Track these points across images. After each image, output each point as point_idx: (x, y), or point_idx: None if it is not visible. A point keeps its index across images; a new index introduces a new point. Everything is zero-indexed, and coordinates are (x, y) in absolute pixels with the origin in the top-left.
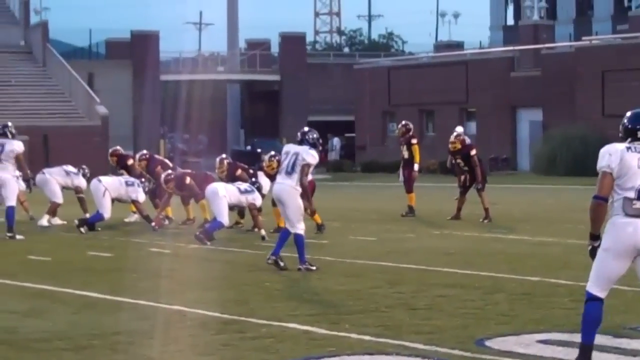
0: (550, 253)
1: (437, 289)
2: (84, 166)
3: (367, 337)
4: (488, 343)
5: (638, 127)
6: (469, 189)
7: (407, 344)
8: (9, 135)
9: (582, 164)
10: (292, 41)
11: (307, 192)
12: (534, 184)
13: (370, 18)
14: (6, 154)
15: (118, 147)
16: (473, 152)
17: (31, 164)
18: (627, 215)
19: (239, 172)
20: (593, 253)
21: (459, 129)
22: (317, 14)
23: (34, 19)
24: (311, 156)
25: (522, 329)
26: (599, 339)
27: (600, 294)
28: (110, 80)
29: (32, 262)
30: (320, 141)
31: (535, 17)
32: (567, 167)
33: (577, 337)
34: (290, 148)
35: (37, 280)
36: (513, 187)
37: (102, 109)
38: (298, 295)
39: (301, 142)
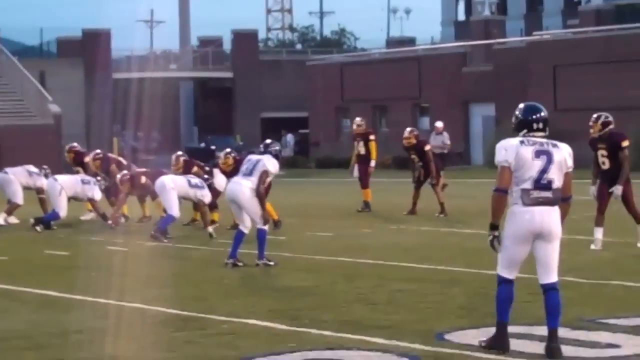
0: None
1: (395, 284)
2: (45, 166)
3: (327, 332)
4: (448, 337)
5: (530, 118)
6: (423, 183)
7: (367, 338)
8: None
9: None
10: (244, 38)
11: (263, 200)
12: (488, 178)
13: (322, 15)
14: None
15: (75, 144)
16: (427, 147)
17: None
18: (525, 204)
19: (195, 169)
20: (493, 243)
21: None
22: (268, 11)
23: None
24: (272, 164)
25: (480, 322)
26: (559, 332)
27: (510, 276)
28: (62, 79)
29: None
30: (282, 153)
31: (486, 12)
32: None
33: (535, 330)
34: (252, 157)
35: None
36: (467, 182)
37: (54, 108)
38: (257, 291)
39: (263, 154)
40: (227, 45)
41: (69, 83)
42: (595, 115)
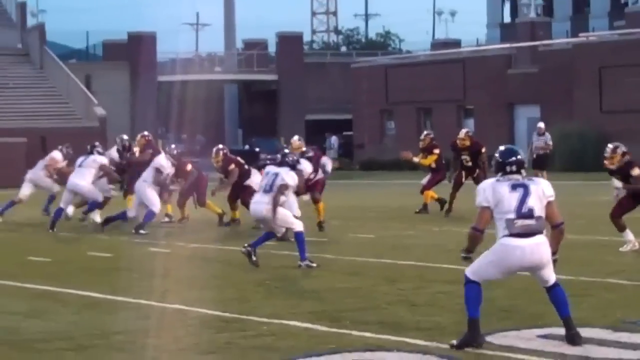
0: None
1: (437, 286)
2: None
3: (368, 334)
4: (489, 338)
5: (506, 161)
6: (462, 184)
7: (408, 340)
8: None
9: (580, 160)
10: (289, 41)
11: (277, 209)
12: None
13: (367, 17)
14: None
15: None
16: (484, 149)
17: (30, 166)
18: (512, 235)
19: (232, 166)
20: (465, 260)
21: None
22: (314, 14)
23: (30, 21)
24: (290, 177)
25: (522, 324)
26: (600, 333)
27: (477, 280)
28: (108, 82)
29: (32, 263)
30: (300, 163)
31: (532, 14)
32: (565, 163)
33: (581, 331)
34: (270, 169)
35: (38, 281)
36: None
37: (99, 110)
38: (298, 293)
39: (281, 164)
40: (272, 48)
41: (114, 86)
42: (611, 146)
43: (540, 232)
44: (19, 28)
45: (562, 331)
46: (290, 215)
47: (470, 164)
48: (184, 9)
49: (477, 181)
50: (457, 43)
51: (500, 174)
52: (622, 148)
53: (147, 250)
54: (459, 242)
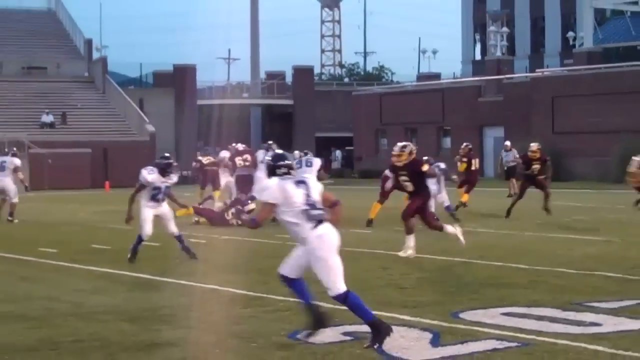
0: (512, 243)
1: (421, 272)
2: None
3: None
4: (461, 315)
5: (277, 164)
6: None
7: (396, 315)
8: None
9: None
10: (303, 73)
11: None
12: (498, 187)
13: (365, 54)
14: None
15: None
16: (548, 158)
17: (94, 172)
18: (311, 221)
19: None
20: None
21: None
22: (323, 51)
23: (95, 54)
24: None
25: (489, 304)
26: (551, 312)
27: (292, 275)
28: (157, 105)
29: (95, 250)
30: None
31: (498, 53)
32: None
33: (533, 311)
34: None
35: (100, 265)
36: (481, 190)
37: (150, 128)
38: (308, 277)
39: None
40: (288, 78)
41: (162, 108)
42: (400, 145)
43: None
44: (86, 60)
45: (520, 310)
46: None
47: (537, 173)
48: (219, 46)
49: (543, 187)
50: (437, 76)
51: (274, 175)
52: (411, 147)
53: (188, 240)
54: (438, 237)
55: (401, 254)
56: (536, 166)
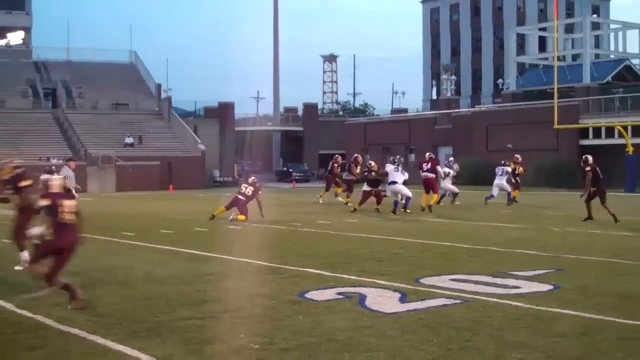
0: (458, 229)
1: (393, 249)
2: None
3: (353, 277)
4: (421, 280)
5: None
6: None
7: (376, 280)
8: None
9: (474, 179)
10: (310, 108)
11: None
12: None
13: (354, 95)
14: None
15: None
16: (588, 168)
17: (162, 179)
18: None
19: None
20: None
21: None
22: (324, 92)
23: (163, 95)
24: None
25: (441, 272)
26: (485, 279)
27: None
28: (207, 131)
29: (162, 234)
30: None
31: (448, 94)
32: (467, 181)
33: (472, 277)
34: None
35: (164, 243)
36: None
37: (201, 147)
38: (313, 252)
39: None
40: (300, 112)
41: (210, 132)
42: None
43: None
44: (156, 99)
45: (464, 277)
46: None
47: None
48: (251, 88)
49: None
50: (405, 110)
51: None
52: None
53: (228, 227)
54: (413, 226)
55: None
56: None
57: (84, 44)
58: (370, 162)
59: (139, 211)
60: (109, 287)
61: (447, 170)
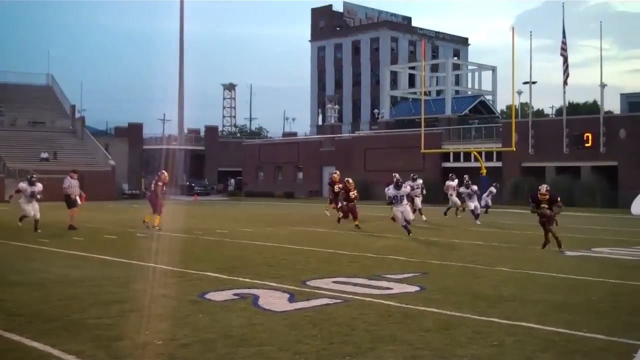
0: (339, 239)
1: (283, 255)
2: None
3: (247, 280)
4: (307, 282)
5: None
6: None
7: (267, 282)
8: None
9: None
10: (211, 130)
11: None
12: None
13: (251, 119)
14: None
15: None
16: (559, 198)
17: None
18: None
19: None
20: None
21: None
22: (224, 117)
23: (77, 115)
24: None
25: (324, 275)
26: (362, 281)
27: None
28: (117, 148)
29: (74, 241)
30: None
31: (332, 120)
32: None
33: (351, 280)
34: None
35: (77, 249)
36: (318, 206)
37: (112, 162)
38: (212, 258)
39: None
40: (202, 133)
41: (120, 150)
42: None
43: None
44: (71, 118)
45: (344, 279)
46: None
47: (547, 210)
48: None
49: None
50: (295, 134)
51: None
52: None
53: (136, 235)
54: (303, 235)
55: None
56: (544, 205)
57: (5, 68)
58: (347, 179)
59: (54, 220)
60: (25, 288)
61: (464, 190)
